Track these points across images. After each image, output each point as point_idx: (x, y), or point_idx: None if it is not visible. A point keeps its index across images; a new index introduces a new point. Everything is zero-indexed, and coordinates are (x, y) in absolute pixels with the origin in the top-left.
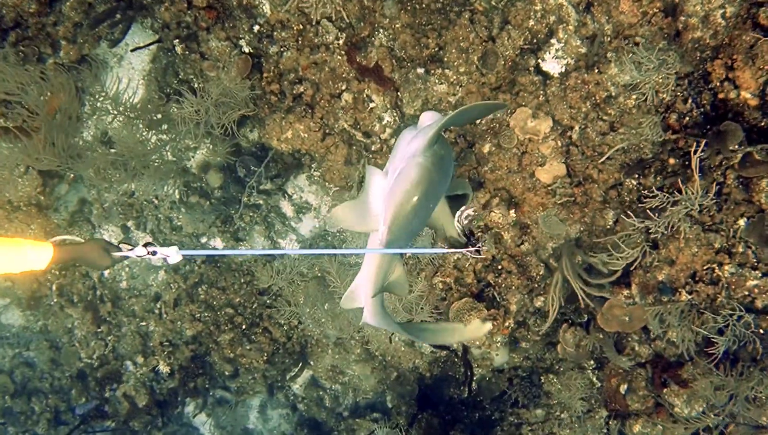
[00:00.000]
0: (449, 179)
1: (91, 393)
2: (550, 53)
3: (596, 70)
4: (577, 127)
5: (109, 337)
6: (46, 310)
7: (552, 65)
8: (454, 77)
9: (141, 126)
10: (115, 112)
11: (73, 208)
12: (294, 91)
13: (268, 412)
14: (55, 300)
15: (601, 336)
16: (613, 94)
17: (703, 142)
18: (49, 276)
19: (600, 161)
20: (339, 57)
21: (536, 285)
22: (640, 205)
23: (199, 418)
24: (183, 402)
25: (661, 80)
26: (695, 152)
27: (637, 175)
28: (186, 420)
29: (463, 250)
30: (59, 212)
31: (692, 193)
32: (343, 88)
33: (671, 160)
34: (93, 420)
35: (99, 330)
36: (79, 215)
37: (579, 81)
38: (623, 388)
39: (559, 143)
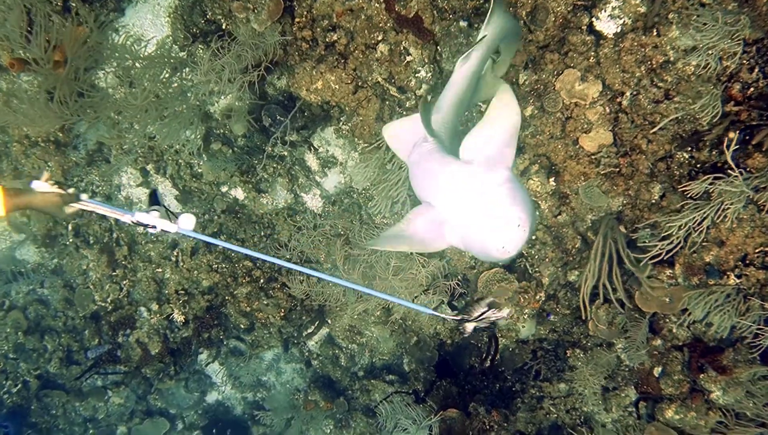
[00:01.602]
0: None
1: (104, 336)
2: (605, 11)
3: (655, 32)
4: (628, 93)
5: (124, 282)
6: (62, 249)
7: (607, 24)
8: None
9: (162, 71)
10: (129, 62)
11: (92, 147)
12: (327, 39)
13: (281, 365)
14: (71, 240)
15: (636, 315)
16: (672, 59)
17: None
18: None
19: (651, 131)
20: (377, 4)
21: (571, 258)
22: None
23: (212, 366)
24: (196, 352)
25: (727, 47)
26: (728, 147)
27: (690, 148)
28: (198, 368)
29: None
30: (78, 150)
31: (743, 174)
32: (380, 38)
33: (730, 134)
34: (105, 363)
35: (114, 273)
36: (98, 155)
37: (635, 43)
38: (657, 370)
39: (608, 109)
